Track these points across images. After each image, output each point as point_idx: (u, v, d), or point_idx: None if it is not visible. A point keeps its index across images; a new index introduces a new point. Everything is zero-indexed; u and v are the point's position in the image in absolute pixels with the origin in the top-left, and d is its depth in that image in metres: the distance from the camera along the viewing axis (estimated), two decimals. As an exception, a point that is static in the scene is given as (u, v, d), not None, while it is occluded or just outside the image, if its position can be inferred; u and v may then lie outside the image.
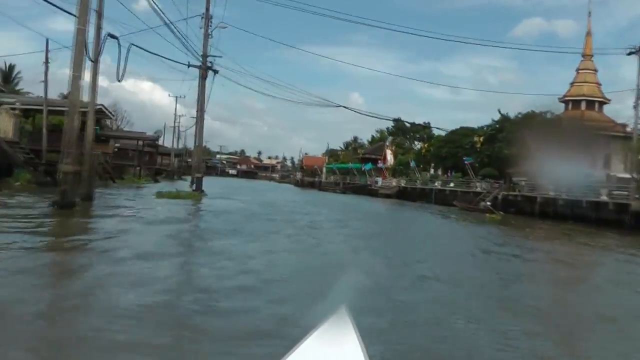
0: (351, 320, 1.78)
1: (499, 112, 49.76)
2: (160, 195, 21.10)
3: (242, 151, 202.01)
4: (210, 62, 23.83)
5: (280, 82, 79.56)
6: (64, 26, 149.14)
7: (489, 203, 35.93)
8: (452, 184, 49.92)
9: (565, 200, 32.30)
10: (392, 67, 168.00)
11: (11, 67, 50.08)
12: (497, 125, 49.27)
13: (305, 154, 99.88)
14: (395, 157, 66.95)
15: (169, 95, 75.27)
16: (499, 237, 19.49)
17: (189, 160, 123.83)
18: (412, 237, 17.49)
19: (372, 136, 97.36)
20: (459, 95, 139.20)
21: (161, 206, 18.43)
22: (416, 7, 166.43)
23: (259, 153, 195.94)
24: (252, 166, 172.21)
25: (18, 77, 51.19)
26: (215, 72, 24.22)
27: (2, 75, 49.17)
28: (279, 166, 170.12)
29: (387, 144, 74.10)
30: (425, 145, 64.12)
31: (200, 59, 23.52)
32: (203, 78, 24.09)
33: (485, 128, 52.45)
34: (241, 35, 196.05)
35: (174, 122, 57.20)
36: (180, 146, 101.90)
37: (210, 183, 58.36)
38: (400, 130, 76.87)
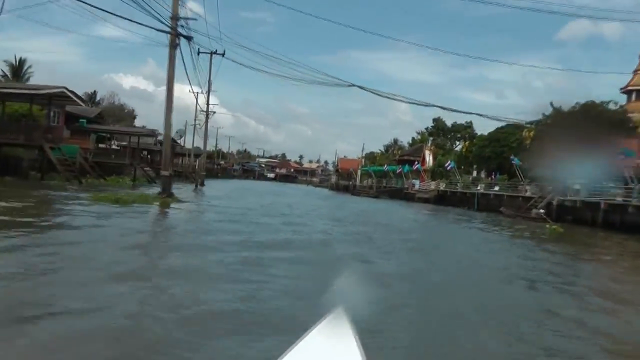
0: (348, 321, 1.75)
1: (551, 105, 43.62)
2: (98, 198, 16.71)
3: (283, 155, 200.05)
4: (183, 25, 19.32)
5: (282, 57, 73.82)
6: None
7: (542, 210, 30.26)
8: (496, 188, 44.25)
9: (637, 208, 26.37)
10: (438, 73, 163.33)
11: (22, 61, 47.81)
12: (549, 121, 43.09)
13: (344, 156, 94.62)
14: (434, 158, 61.42)
15: (190, 91, 70.76)
16: (583, 268, 13.40)
17: (222, 162, 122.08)
18: (453, 270, 10.85)
19: (413, 138, 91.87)
20: (504, 100, 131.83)
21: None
22: (464, 11, 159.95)
23: (300, 157, 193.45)
24: (292, 170, 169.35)
25: (29, 72, 48.85)
26: (189, 38, 19.72)
27: (11, 69, 46.94)
28: (319, 170, 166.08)
29: (427, 144, 68.59)
30: (467, 143, 58.24)
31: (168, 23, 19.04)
32: (173, 47, 19.68)
33: (535, 124, 46.30)
34: (282, 38, 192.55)
35: (194, 119, 53.43)
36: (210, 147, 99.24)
37: (226, 186, 54.61)
38: (441, 130, 71.16)
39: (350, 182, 76.39)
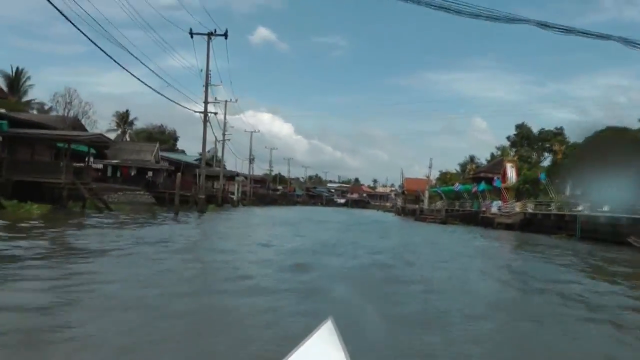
0: (338, 334, 1.72)
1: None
2: None
3: (356, 180, 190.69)
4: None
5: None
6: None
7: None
8: (605, 207, 32.15)
9: None
10: (517, 91, 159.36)
11: (19, 72, 42.09)
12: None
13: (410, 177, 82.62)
14: (518, 173, 49.32)
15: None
16: None
17: (280, 187, 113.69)
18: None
19: (492, 154, 79.17)
20: (586, 116, 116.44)
21: None
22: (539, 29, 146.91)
23: (374, 181, 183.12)
24: (364, 195, 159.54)
25: (27, 84, 43.04)
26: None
27: (7, 81, 41.35)
28: (392, 194, 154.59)
29: (509, 156, 56.38)
30: (563, 148, 45.55)
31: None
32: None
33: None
34: (356, 61, 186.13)
35: (223, 135, 46.30)
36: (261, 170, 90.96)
37: (257, 216, 45.21)
38: (525, 139, 58.56)
39: (418, 206, 65.24)
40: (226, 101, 54.19)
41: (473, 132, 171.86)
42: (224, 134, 52.94)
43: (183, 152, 77.98)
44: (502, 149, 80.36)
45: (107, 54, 20.58)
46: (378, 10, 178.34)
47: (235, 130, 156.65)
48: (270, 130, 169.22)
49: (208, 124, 34.54)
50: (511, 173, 49.26)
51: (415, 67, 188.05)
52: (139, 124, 74.26)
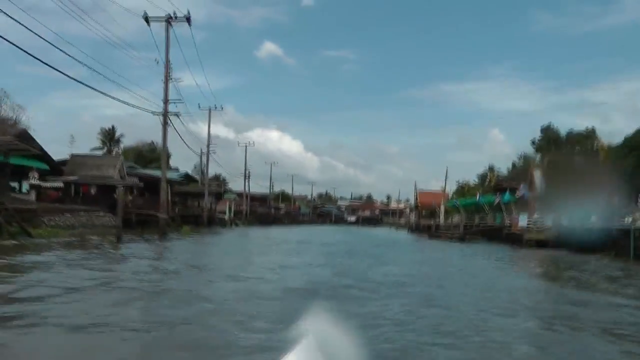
0: (318, 352, 1.62)
1: None
2: None
3: (369, 196, 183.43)
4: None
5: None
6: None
7: None
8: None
9: None
10: (535, 99, 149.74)
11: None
12: None
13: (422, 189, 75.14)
14: (548, 180, 42.65)
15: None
16: None
17: (282, 205, 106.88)
18: None
19: (513, 164, 72.29)
20: (609, 125, 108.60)
21: None
22: (556, 29, 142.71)
23: (388, 197, 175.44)
24: (377, 211, 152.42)
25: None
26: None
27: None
28: (407, 210, 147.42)
29: (536, 161, 49.70)
30: (605, 145, 38.87)
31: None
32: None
33: None
34: (368, 75, 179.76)
35: (207, 147, 40.78)
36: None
37: (244, 237, 39.68)
38: (553, 142, 51.86)
39: (433, 221, 58.59)
40: (210, 109, 48.59)
41: (490, 144, 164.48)
42: (208, 146, 47.22)
43: (176, 169, 72.73)
44: (524, 158, 73.60)
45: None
46: (387, 22, 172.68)
47: (223, 142, 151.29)
48: (279, 148, 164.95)
49: (169, 128, 28.65)
50: (540, 181, 42.58)
51: (428, 78, 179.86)
52: (128, 142, 69.07)
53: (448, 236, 40.72)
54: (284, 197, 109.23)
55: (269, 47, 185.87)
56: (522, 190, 37.89)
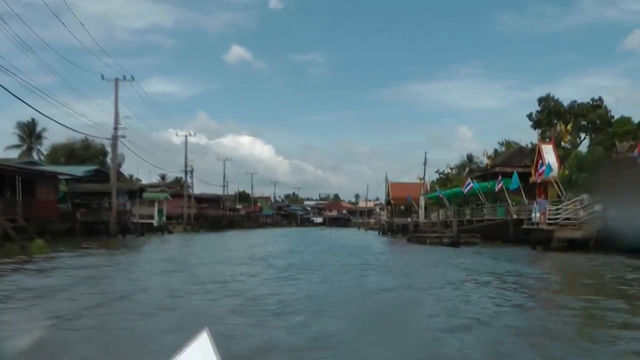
0: (213, 347, 1.56)
1: None
2: None
3: (336, 196, 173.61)
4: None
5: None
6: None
7: None
8: None
9: None
10: (501, 96, 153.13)
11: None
12: None
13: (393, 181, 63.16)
14: (561, 159, 32.20)
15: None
16: None
17: (240, 207, 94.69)
18: None
19: (495, 150, 62.14)
20: None
21: None
22: (519, 29, 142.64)
23: (356, 196, 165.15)
24: (344, 211, 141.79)
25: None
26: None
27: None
28: (377, 209, 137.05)
29: (544, 135, 39.15)
30: None
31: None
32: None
33: None
34: (336, 77, 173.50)
35: (115, 130, 29.17)
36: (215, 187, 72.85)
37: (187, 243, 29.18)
38: (554, 115, 41.46)
39: (410, 219, 47.60)
40: (116, 79, 36.44)
41: (459, 141, 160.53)
42: (116, 129, 35.18)
43: (131, 177, 61.23)
44: (507, 144, 63.67)
45: None
46: (355, 25, 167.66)
47: (196, 147, 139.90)
48: (251, 153, 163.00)
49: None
50: (550, 158, 32.05)
51: (397, 79, 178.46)
52: (57, 138, 56.96)
53: (436, 240, 29.63)
54: (243, 197, 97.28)
55: (238, 52, 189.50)
56: (541, 168, 27.07)
